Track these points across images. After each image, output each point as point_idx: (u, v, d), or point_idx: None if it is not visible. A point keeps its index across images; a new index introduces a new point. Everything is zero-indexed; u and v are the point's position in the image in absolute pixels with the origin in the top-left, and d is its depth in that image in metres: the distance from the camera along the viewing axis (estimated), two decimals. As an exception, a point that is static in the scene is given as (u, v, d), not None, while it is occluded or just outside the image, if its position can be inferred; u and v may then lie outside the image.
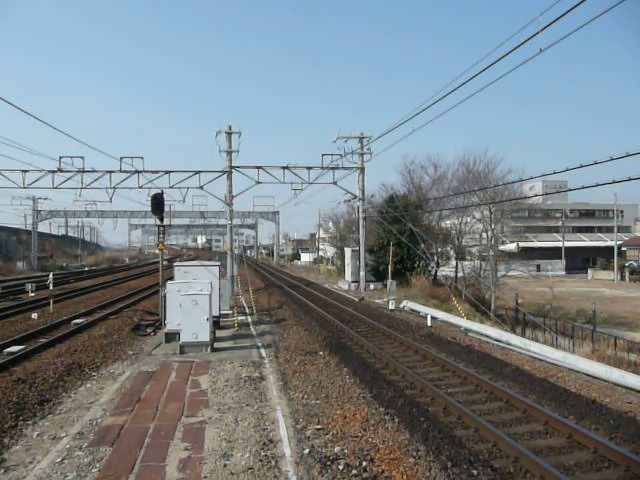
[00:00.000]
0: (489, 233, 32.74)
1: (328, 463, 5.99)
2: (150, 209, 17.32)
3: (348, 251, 34.29)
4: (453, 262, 36.04)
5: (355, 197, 30.99)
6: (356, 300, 24.78)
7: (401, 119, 19.87)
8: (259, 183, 27.74)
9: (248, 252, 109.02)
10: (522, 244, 48.22)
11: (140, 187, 26.93)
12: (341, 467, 5.88)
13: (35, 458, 6.30)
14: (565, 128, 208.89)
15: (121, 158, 26.10)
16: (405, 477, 5.62)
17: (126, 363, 11.46)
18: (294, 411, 7.94)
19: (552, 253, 66.33)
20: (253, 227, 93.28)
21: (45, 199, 56.57)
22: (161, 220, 16.82)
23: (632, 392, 9.21)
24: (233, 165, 26.69)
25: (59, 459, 6.17)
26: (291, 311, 20.29)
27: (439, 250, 35.17)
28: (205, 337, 12.20)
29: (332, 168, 28.42)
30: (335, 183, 29.40)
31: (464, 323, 17.05)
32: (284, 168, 27.69)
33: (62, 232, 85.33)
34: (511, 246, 43.78)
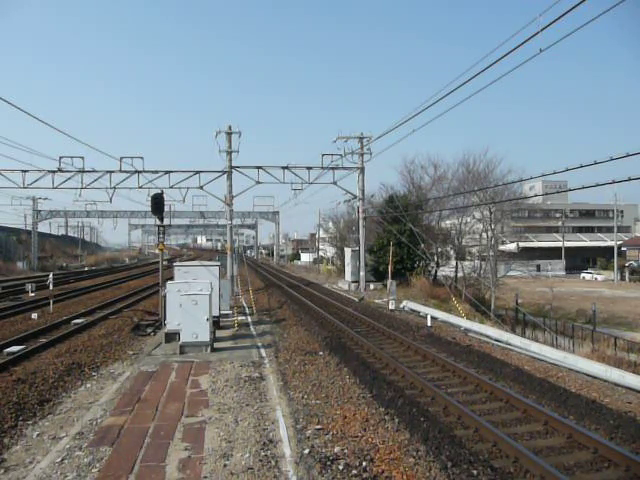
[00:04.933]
0: (489, 233, 32.73)
1: (328, 463, 5.99)
2: (150, 209, 17.33)
3: (348, 251, 34.29)
4: (453, 262, 36.03)
5: (355, 197, 30.98)
6: (356, 300, 24.78)
7: (401, 119, 19.88)
8: (259, 183, 27.74)
9: (248, 252, 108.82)
10: (522, 244, 48.22)
11: (140, 187, 26.92)
12: (341, 467, 5.88)
13: (35, 458, 6.30)
14: (565, 128, 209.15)
15: (121, 158, 26.12)
16: (405, 477, 5.62)
17: (126, 363, 11.46)
18: (294, 411, 7.93)
19: (552, 253, 66.34)
20: (253, 227, 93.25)
21: (45, 199, 56.69)
22: (161, 220, 16.83)
23: (632, 392, 9.20)
24: (233, 165, 26.69)
25: (59, 459, 6.17)
26: (291, 311, 20.29)
27: (439, 250, 35.17)
28: (205, 337, 12.20)
29: (332, 168, 28.41)
30: (335, 183, 29.40)
31: (464, 323, 17.04)
32: (284, 168, 27.68)
33: (62, 232, 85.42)
34: (511, 246, 43.79)
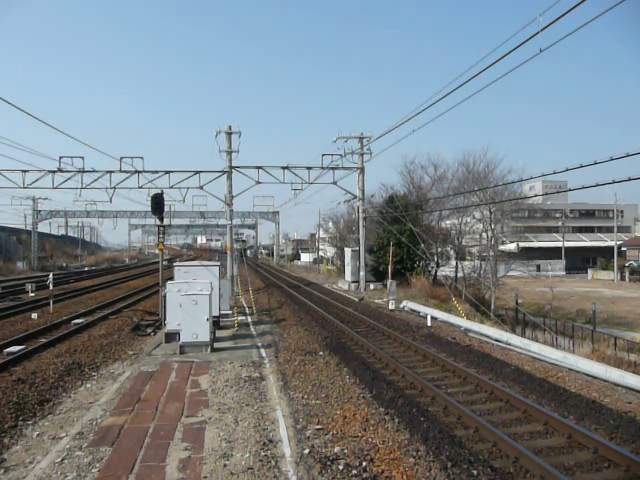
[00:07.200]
0: (489, 233, 32.72)
1: (328, 463, 5.99)
2: (150, 209, 17.33)
3: (348, 251, 34.28)
4: (453, 262, 36.02)
5: (355, 197, 30.99)
6: (356, 300, 24.78)
7: (401, 119, 19.92)
8: (259, 183, 27.75)
9: (248, 252, 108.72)
10: (522, 244, 48.18)
11: (140, 187, 26.94)
12: (341, 467, 5.88)
13: (35, 458, 6.30)
14: (565, 128, 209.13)
15: (121, 158, 26.13)
16: (405, 477, 5.62)
17: (126, 363, 11.47)
18: (294, 411, 7.93)
19: (552, 253, 66.28)
20: (253, 227, 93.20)
21: (45, 199, 56.65)
22: (161, 220, 16.83)
23: (632, 392, 9.20)
24: (233, 165, 26.69)
25: (59, 459, 6.17)
26: (291, 311, 20.29)
27: (439, 250, 35.16)
28: (205, 337, 12.20)
29: (332, 168, 28.43)
30: (335, 183, 29.41)
31: (464, 323, 17.04)
32: (284, 168, 27.69)
33: (62, 232, 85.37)
34: (511, 246, 43.76)
